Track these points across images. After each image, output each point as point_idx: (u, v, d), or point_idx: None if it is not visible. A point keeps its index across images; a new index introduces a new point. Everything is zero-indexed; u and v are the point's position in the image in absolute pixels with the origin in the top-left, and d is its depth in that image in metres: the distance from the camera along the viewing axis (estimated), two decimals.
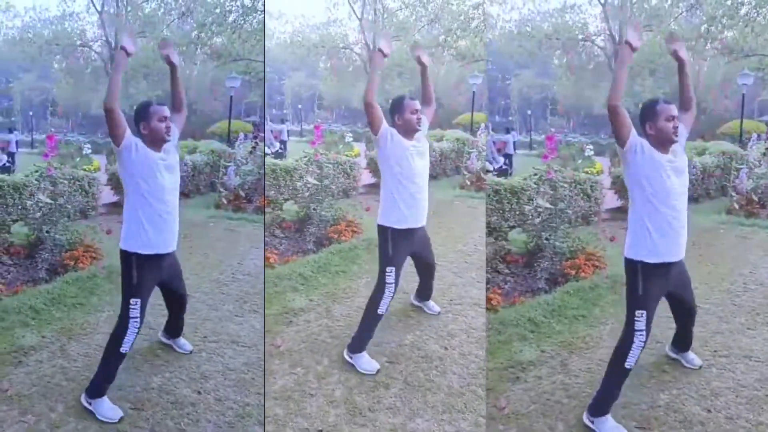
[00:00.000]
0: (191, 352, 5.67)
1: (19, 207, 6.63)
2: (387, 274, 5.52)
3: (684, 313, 5.16)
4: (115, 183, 7.28)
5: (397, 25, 8.17)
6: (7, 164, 7.02)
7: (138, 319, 4.86)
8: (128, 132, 4.71)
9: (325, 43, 7.98)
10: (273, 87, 8.06)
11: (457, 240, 7.52)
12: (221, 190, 7.64)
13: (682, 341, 5.39)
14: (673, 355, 5.48)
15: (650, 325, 4.61)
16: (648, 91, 7.35)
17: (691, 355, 5.42)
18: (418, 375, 5.43)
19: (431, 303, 6.35)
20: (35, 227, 6.69)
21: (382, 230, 5.58)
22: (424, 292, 6.34)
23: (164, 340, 5.79)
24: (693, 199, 7.32)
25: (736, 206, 7.60)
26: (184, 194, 7.44)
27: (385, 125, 5.41)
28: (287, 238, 7.56)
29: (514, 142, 7.15)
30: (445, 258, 7.15)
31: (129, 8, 7.32)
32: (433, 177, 6.19)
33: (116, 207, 7.22)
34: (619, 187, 7.14)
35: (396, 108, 5.52)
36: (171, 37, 7.17)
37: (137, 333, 4.87)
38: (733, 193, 7.66)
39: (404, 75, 7.95)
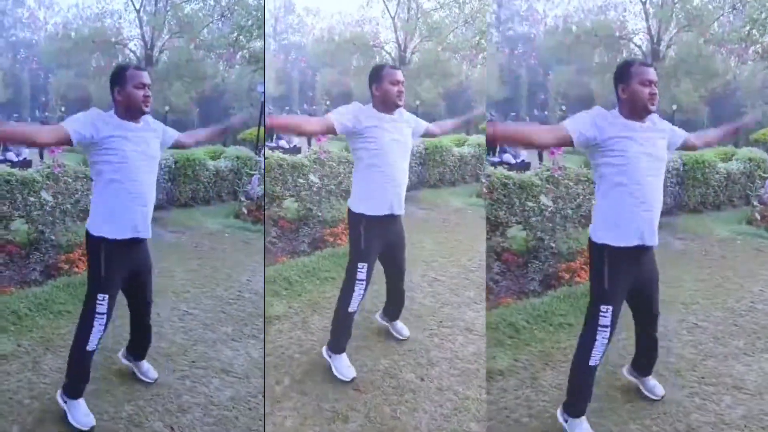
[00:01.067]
0: (155, 381, 4.81)
1: (22, 204, 6.16)
2: (359, 270, 4.78)
3: (645, 314, 4.36)
4: None
5: (431, 26, 8.03)
6: (27, 159, 6.61)
7: (104, 316, 4.18)
8: (72, 128, 3.95)
9: (356, 40, 7.77)
10: (306, 83, 7.90)
11: (462, 253, 6.92)
12: (242, 199, 7.21)
13: (644, 358, 4.57)
14: (631, 378, 4.69)
15: (616, 321, 4.04)
16: (684, 93, 7.29)
17: (652, 381, 4.60)
18: (383, 410, 4.58)
19: (399, 324, 5.43)
20: (35, 226, 6.20)
21: (354, 217, 4.82)
22: (394, 305, 5.40)
23: (124, 361, 4.88)
24: (715, 207, 7.23)
25: (758, 217, 7.17)
26: (204, 201, 7.22)
27: (336, 117, 4.60)
28: (282, 238, 7.02)
29: None
30: (445, 272, 6.52)
31: (168, 8, 7.19)
32: (451, 183, 5.82)
33: None
34: None
35: (374, 77, 4.76)
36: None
37: (104, 329, 4.22)
38: (756, 203, 7.21)
39: (434, 76, 7.96)
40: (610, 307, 4.01)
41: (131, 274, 4.37)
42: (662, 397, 4.57)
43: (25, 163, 6.55)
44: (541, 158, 6.42)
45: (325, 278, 6.46)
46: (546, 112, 6.89)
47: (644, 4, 7.14)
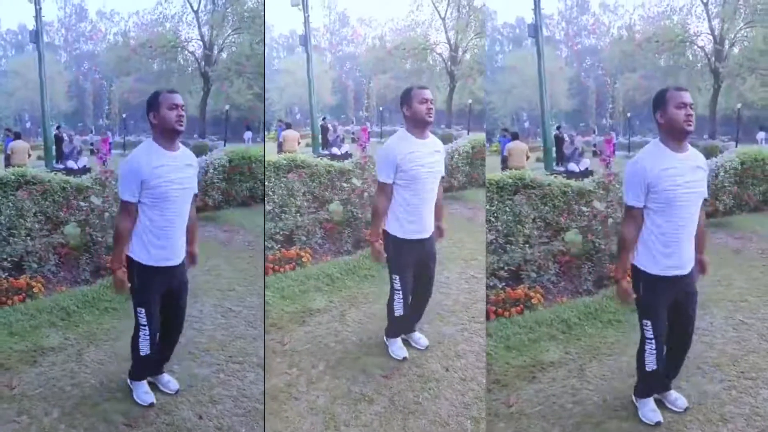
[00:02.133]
0: (177, 392, 4.86)
1: (75, 209, 6.40)
2: (393, 281, 5.12)
3: (678, 332, 4.44)
4: None
5: (481, 22, 7.93)
6: (87, 166, 6.83)
7: (147, 327, 4.51)
8: (132, 198, 4.36)
9: (407, 44, 7.82)
10: (360, 89, 7.95)
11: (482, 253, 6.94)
12: None
13: (665, 371, 4.59)
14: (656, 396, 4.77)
15: (661, 329, 4.30)
16: (750, 90, 7.22)
17: (674, 394, 4.64)
18: (407, 395, 4.84)
19: (417, 335, 5.52)
20: (86, 229, 6.40)
21: (385, 236, 5.11)
22: (412, 318, 5.51)
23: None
24: None
25: None
26: (263, 199, 7.34)
27: (383, 180, 4.99)
28: (327, 239, 7.10)
29: (614, 144, 6.77)
30: (483, 269, 6.44)
31: (228, 6, 7.31)
32: None
33: None
34: None
35: (404, 99, 4.98)
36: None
37: (151, 336, 4.53)
38: None
39: (486, 73, 7.76)
40: (649, 322, 4.29)
41: (166, 290, 4.60)
42: (685, 409, 4.58)
43: (84, 170, 6.78)
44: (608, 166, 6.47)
45: (364, 276, 6.60)
46: (612, 120, 6.97)
47: (706, 5, 7.09)
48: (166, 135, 4.40)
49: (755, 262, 6.50)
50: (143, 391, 4.68)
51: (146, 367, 4.71)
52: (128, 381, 4.77)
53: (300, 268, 6.69)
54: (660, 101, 4.17)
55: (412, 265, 5.14)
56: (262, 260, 6.64)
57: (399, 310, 5.13)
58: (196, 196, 4.65)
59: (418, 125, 4.94)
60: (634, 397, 4.58)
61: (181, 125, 4.38)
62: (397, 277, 5.09)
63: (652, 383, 4.48)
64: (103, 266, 6.31)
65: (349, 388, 4.92)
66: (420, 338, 5.50)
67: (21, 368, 5.08)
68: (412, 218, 5.00)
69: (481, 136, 7.81)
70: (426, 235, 5.09)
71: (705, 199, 4.28)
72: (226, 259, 6.73)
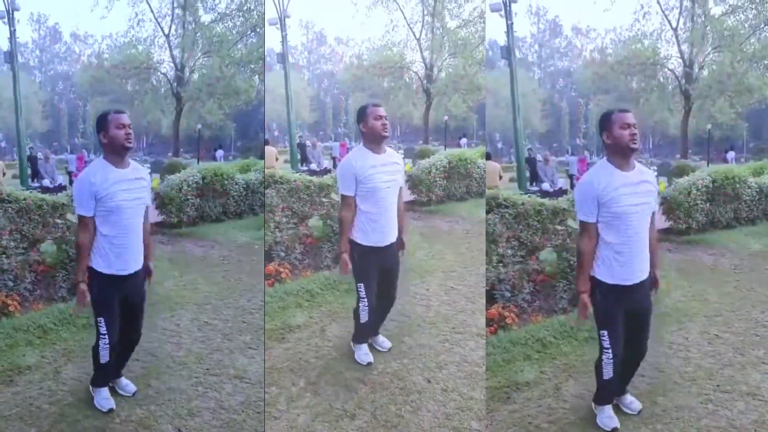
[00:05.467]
0: (134, 394, 4.93)
1: (52, 226, 6.35)
2: (359, 289, 5.26)
3: (634, 343, 4.57)
4: (160, 203, 7.09)
5: (455, 43, 8.26)
6: (62, 184, 6.90)
7: (106, 336, 4.61)
8: (89, 212, 4.51)
9: (384, 63, 8.02)
10: (338, 107, 8.17)
11: (482, 263, 6.93)
12: None
13: (620, 378, 4.73)
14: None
15: (617, 340, 4.42)
16: (719, 112, 7.45)
17: (629, 398, 4.80)
18: (389, 409, 4.83)
19: (381, 338, 5.69)
20: (62, 246, 6.33)
21: (351, 244, 5.25)
22: (377, 321, 5.66)
23: None
24: (749, 221, 6.91)
25: None
26: (236, 214, 7.37)
27: (345, 193, 5.18)
28: (307, 254, 7.09)
29: (587, 164, 6.95)
30: (463, 281, 6.67)
31: (197, 30, 7.48)
32: (749, 221, 6.99)
33: (160, 226, 7.05)
34: (667, 208, 7.11)
35: (360, 116, 5.22)
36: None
37: (110, 345, 4.62)
38: None
39: (461, 91, 8.15)
40: (606, 331, 4.44)
41: (124, 300, 4.70)
42: (639, 411, 4.71)
43: (60, 189, 6.82)
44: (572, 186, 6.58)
45: (345, 290, 6.53)
46: (585, 141, 7.15)
47: (675, 30, 7.28)
48: (116, 152, 4.55)
49: (728, 278, 6.57)
50: (103, 398, 4.76)
51: (107, 375, 4.81)
52: (90, 388, 4.83)
53: (279, 284, 6.68)
54: (605, 123, 4.35)
55: (376, 272, 5.29)
56: (238, 273, 6.75)
57: (364, 317, 5.28)
58: (147, 208, 4.81)
59: (374, 140, 5.16)
60: (593, 404, 4.69)
61: (130, 143, 4.54)
62: (362, 285, 5.23)
63: (610, 390, 4.60)
64: None
65: (331, 404, 4.89)
66: (383, 341, 5.67)
67: None
68: (374, 227, 5.17)
69: (458, 150, 7.93)
70: (388, 243, 5.26)
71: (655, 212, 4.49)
72: (201, 273, 6.76)
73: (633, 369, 4.69)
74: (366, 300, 5.24)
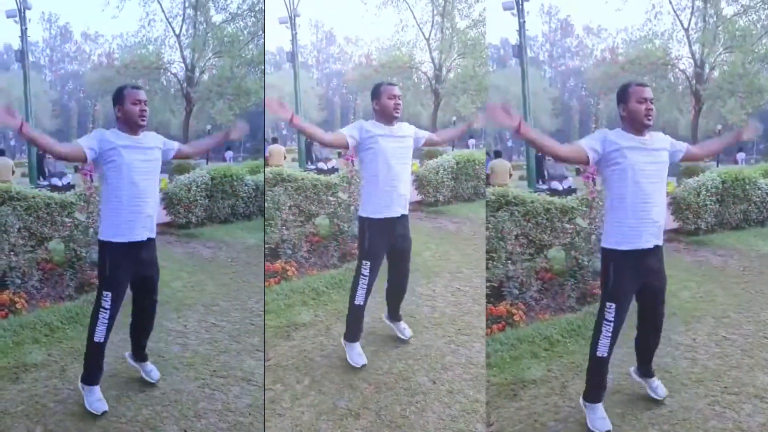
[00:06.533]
0: (157, 381, 4.98)
1: (60, 224, 6.35)
2: (362, 266, 5.19)
3: (650, 316, 4.54)
4: (168, 203, 7.10)
5: (464, 43, 8.25)
6: (71, 183, 6.91)
7: (108, 311, 4.52)
8: (84, 144, 4.38)
9: (393, 63, 8.05)
10: (347, 106, 8.27)
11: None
12: None
13: (643, 358, 4.76)
14: (637, 379, 4.86)
15: (622, 317, 4.34)
16: (730, 112, 7.41)
17: (655, 382, 4.77)
18: (394, 409, 4.77)
19: (402, 325, 5.68)
20: (70, 245, 6.37)
21: (360, 221, 5.23)
22: (394, 309, 5.68)
23: (132, 363, 5.09)
24: (758, 222, 6.88)
25: None
26: (245, 216, 7.36)
27: (347, 133, 5.05)
28: (313, 252, 7.12)
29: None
30: (469, 283, 6.63)
31: (208, 31, 7.53)
32: (758, 222, 7.07)
33: (168, 227, 7.07)
34: (675, 208, 7.20)
35: (374, 93, 5.18)
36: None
37: (109, 323, 4.55)
38: None
39: (469, 91, 8.12)
40: (614, 305, 4.31)
41: (136, 274, 4.64)
42: (664, 397, 4.70)
43: (68, 187, 6.80)
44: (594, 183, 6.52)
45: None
46: None
47: (686, 30, 7.28)
48: (130, 127, 4.51)
49: (737, 279, 6.53)
50: (96, 399, 4.65)
51: (99, 365, 4.69)
52: (79, 386, 4.73)
53: (285, 282, 6.67)
54: (623, 95, 4.30)
55: (385, 250, 5.28)
56: (246, 275, 6.67)
57: (360, 298, 5.21)
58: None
59: (386, 119, 5.12)
60: (582, 401, 4.59)
61: (144, 120, 4.51)
62: (368, 264, 5.18)
63: (599, 375, 4.47)
64: (87, 282, 6.26)
65: (335, 403, 4.84)
66: (405, 328, 5.66)
67: (3, 385, 4.99)
68: (383, 197, 5.11)
69: (466, 151, 7.91)
70: (398, 214, 5.19)
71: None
72: (209, 274, 6.75)
73: (653, 345, 4.64)
74: (367, 279, 5.18)
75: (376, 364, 5.31)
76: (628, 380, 4.86)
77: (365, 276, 5.17)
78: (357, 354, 5.28)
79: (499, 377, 5.17)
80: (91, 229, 6.42)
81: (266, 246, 6.86)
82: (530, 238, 6.07)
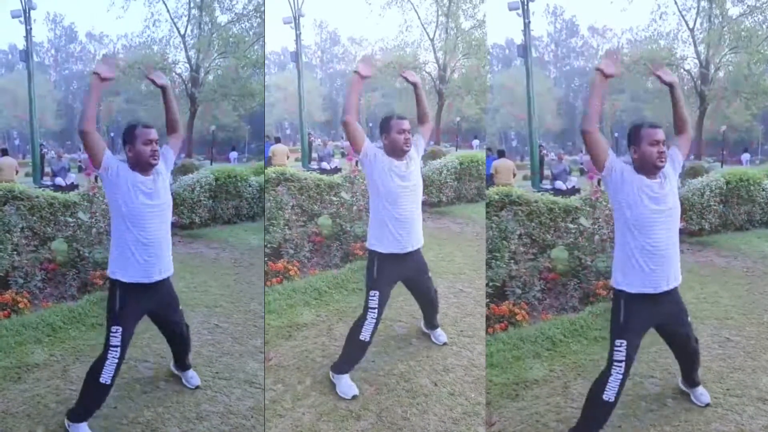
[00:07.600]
0: (197, 387, 5.00)
1: (63, 224, 6.36)
2: (370, 298, 4.94)
3: (680, 348, 4.55)
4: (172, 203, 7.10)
5: (469, 44, 8.21)
6: (74, 183, 6.84)
7: (118, 348, 4.32)
8: (107, 154, 4.27)
9: (396, 64, 7.91)
10: None
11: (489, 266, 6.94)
12: None
13: (686, 377, 4.77)
14: (684, 389, 4.83)
15: (632, 356, 4.15)
16: (735, 113, 7.38)
17: (699, 390, 4.75)
18: (395, 411, 4.75)
19: (438, 332, 5.66)
20: (73, 245, 6.36)
21: (369, 253, 5.07)
22: (429, 320, 5.66)
23: (174, 371, 5.13)
24: (762, 224, 7.10)
25: None
26: (249, 217, 7.34)
27: (367, 144, 4.90)
28: (316, 252, 7.09)
29: None
30: (472, 284, 6.61)
31: (213, 31, 7.50)
32: (763, 224, 7.03)
33: (173, 227, 7.03)
34: None
35: (383, 127, 5.04)
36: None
37: (118, 363, 4.33)
38: None
39: (473, 92, 8.13)
40: (624, 342, 4.14)
41: (151, 311, 4.63)
42: (707, 404, 4.68)
43: (72, 187, 6.77)
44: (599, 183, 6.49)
45: (352, 289, 6.55)
46: None
47: (692, 30, 7.23)
48: (141, 168, 4.38)
49: (740, 280, 6.52)
50: None
51: (98, 402, 4.47)
52: (65, 422, 4.47)
53: (287, 282, 6.64)
54: (634, 137, 4.20)
55: (394, 282, 5.14)
56: (249, 276, 6.67)
57: (366, 334, 4.94)
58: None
59: (395, 154, 4.97)
60: None
61: (156, 159, 4.38)
62: (376, 293, 4.96)
63: (601, 419, 4.26)
64: (89, 282, 6.26)
65: (336, 404, 4.84)
66: (440, 334, 5.66)
67: (5, 385, 4.99)
68: (394, 234, 4.96)
69: (470, 152, 7.89)
70: (408, 251, 5.04)
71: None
72: (213, 275, 6.73)
73: (696, 364, 4.63)
74: (375, 312, 4.93)
75: (377, 366, 5.30)
76: (629, 380, 4.62)
77: (373, 309, 4.93)
78: (347, 386, 4.98)
79: (501, 377, 5.17)
80: (94, 229, 6.41)
81: (269, 246, 6.83)
82: (533, 237, 6.07)
